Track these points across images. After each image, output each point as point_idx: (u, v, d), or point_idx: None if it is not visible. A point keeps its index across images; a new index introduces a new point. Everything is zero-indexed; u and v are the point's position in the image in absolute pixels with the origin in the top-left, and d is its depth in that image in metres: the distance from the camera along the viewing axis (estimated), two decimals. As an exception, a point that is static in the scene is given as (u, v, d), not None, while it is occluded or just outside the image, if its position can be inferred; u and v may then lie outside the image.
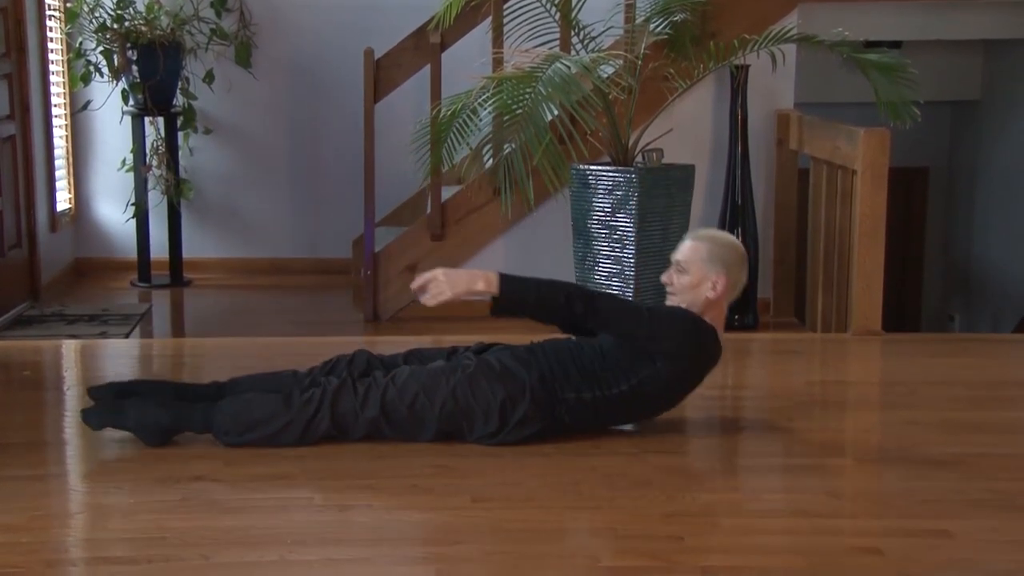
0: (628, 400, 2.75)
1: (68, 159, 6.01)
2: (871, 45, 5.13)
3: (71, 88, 5.92)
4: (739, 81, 4.87)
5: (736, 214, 4.92)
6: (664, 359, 2.72)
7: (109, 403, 2.79)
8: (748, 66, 4.80)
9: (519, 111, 3.93)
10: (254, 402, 2.75)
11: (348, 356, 2.93)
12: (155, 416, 2.73)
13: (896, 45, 5.62)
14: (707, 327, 2.78)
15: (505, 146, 4.09)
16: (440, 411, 2.73)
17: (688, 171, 4.48)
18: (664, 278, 2.90)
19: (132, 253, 5.87)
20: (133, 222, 5.81)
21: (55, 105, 5.79)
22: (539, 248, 5.09)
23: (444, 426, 2.76)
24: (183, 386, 2.93)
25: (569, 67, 3.95)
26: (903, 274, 6.63)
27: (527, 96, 3.91)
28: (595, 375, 2.75)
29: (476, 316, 4.30)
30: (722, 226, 4.94)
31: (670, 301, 2.88)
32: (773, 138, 5.11)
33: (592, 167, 4.39)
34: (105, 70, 5.69)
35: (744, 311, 4.95)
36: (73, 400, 3.28)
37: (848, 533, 2.31)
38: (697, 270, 2.82)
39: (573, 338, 2.87)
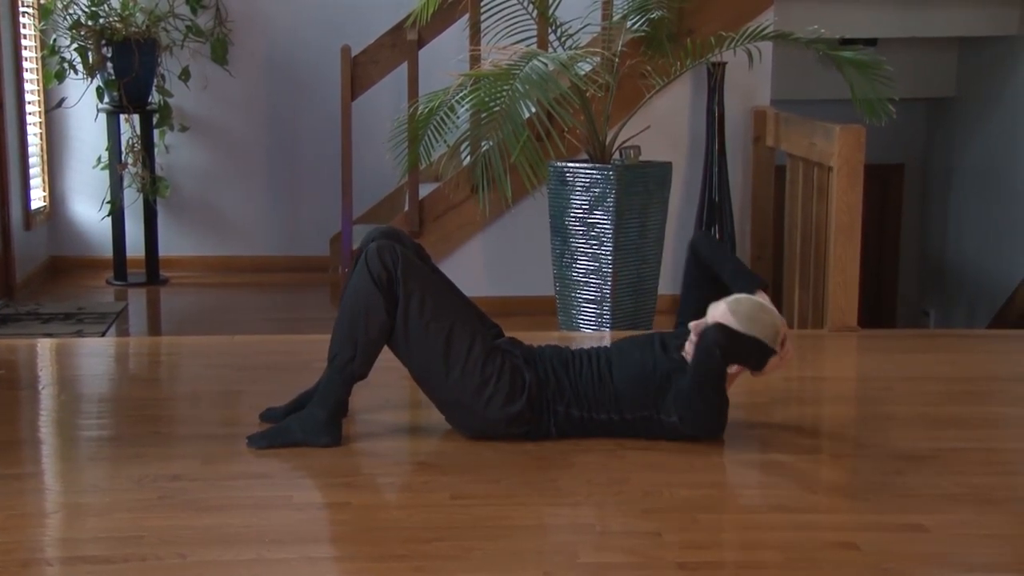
0: (613, 426, 2.75)
1: (42, 156, 5.97)
2: (847, 43, 5.16)
3: (45, 85, 5.88)
4: (716, 78, 4.89)
5: (713, 211, 4.95)
6: (678, 424, 2.70)
7: (276, 423, 2.80)
8: (725, 63, 4.81)
9: (497, 108, 3.92)
10: (337, 322, 2.73)
11: (384, 228, 2.88)
12: (310, 417, 2.72)
13: (871, 43, 5.66)
14: (725, 413, 2.71)
15: (483, 143, 4.09)
16: (445, 351, 2.67)
17: (665, 168, 4.50)
18: (693, 326, 2.73)
19: (108, 251, 5.84)
20: (109, 220, 5.78)
21: (29, 102, 5.75)
22: (517, 245, 5.10)
23: (433, 363, 2.69)
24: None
25: (546, 64, 3.96)
26: (879, 270, 6.67)
27: (504, 93, 3.90)
28: (586, 396, 2.74)
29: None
30: (699, 223, 4.96)
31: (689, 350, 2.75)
32: (750, 135, 5.13)
33: (570, 164, 4.39)
34: (80, 67, 5.66)
35: (721, 307, 4.97)
36: (48, 399, 3.26)
37: (825, 528, 2.32)
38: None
39: (571, 349, 2.86)
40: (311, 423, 2.71)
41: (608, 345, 2.88)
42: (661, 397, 2.70)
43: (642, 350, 2.79)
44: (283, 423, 2.77)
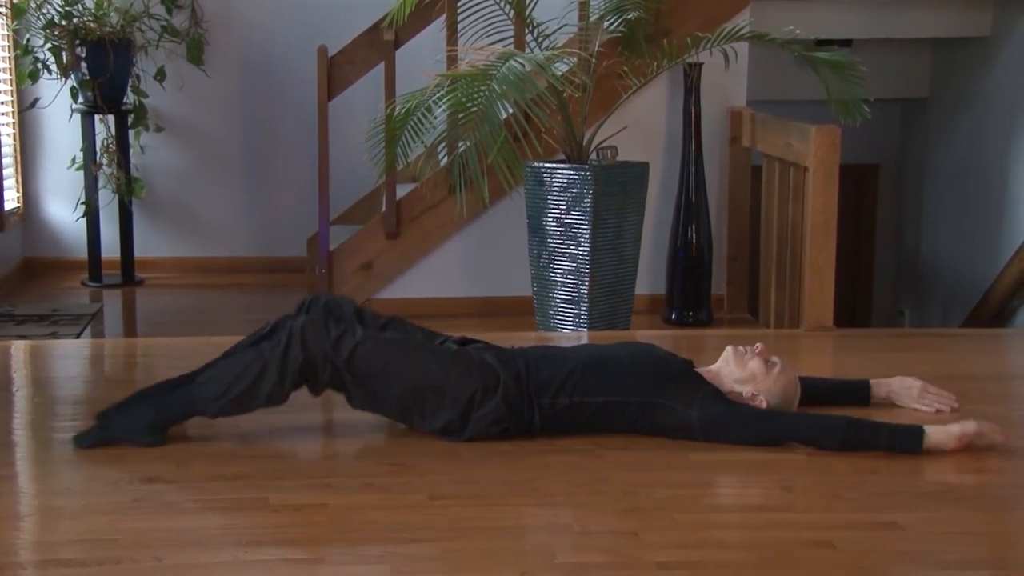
0: (611, 410, 2.73)
1: (16, 157, 5.92)
2: (822, 43, 5.19)
3: (18, 85, 5.83)
4: (692, 79, 4.90)
5: (690, 211, 4.96)
6: (688, 417, 2.73)
7: (100, 420, 2.74)
8: (701, 64, 4.83)
9: (474, 109, 3.93)
10: (227, 363, 2.71)
11: (326, 297, 2.86)
12: (138, 415, 2.69)
13: (846, 43, 5.69)
14: None
15: (460, 144, 4.09)
16: (409, 384, 2.67)
17: (642, 168, 4.51)
18: (761, 349, 2.84)
19: (82, 252, 5.79)
20: (83, 221, 5.74)
21: (2, 103, 5.70)
22: (494, 245, 5.10)
23: (408, 402, 2.70)
24: (172, 380, 2.83)
25: (523, 65, 3.96)
26: (855, 270, 6.71)
27: (481, 94, 3.90)
28: (582, 379, 2.72)
29: (436, 314, 4.31)
30: (676, 223, 4.97)
31: (729, 358, 2.84)
32: (726, 135, 5.15)
33: (547, 165, 4.39)
34: (53, 67, 5.61)
35: (699, 307, 4.99)
36: (22, 402, 3.24)
37: (801, 527, 2.33)
38: (769, 383, 2.80)
39: (562, 345, 2.88)
40: (138, 421, 2.68)
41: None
42: (668, 386, 2.73)
43: (657, 347, 2.90)
44: (109, 417, 2.72)
